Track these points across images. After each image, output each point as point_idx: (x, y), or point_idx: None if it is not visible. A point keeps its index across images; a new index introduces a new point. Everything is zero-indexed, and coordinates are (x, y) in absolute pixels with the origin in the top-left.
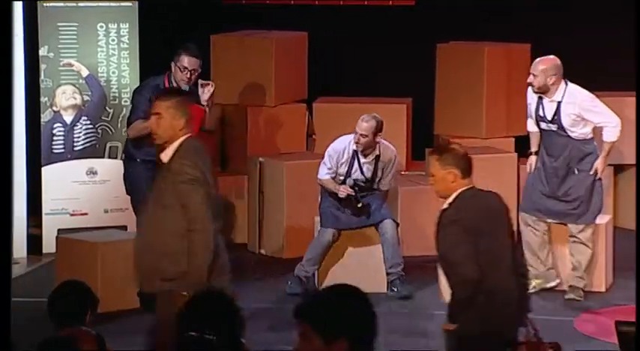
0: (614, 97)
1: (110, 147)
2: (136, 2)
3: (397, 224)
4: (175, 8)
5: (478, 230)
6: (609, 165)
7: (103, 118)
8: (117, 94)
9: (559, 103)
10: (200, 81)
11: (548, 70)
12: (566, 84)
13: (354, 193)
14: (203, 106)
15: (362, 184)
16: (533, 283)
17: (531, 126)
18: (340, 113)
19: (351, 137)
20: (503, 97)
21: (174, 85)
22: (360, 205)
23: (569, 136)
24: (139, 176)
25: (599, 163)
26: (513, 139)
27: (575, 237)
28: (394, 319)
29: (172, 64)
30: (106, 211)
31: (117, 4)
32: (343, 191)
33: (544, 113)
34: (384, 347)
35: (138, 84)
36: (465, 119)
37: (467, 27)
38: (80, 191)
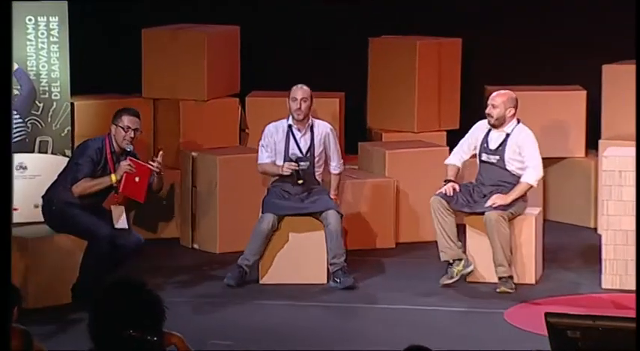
0: (543, 90)
1: (40, 141)
2: None
3: (341, 215)
4: (106, 1)
5: None
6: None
7: (32, 112)
8: (47, 88)
9: (507, 134)
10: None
11: (508, 102)
12: (518, 121)
13: (297, 168)
14: (154, 168)
15: (302, 164)
16: (455, 271)
17: (457, 159)
18: (273, 107)
19: (282, 120)
20: (435, 91)
21: (116, 146)
22: (300, 181)
23: (505, 168)
24: (76, 209)
25: (502, 197)
26: (445, 133)
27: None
28: (336, 310)
29: (112, 126)
30: (36, 206)
31: None
32: (287, 168)
33: (488, 144)
34: (325, 339)
35: (68, 78)
36: (397, 113)
37: (399, 21)
38: None
